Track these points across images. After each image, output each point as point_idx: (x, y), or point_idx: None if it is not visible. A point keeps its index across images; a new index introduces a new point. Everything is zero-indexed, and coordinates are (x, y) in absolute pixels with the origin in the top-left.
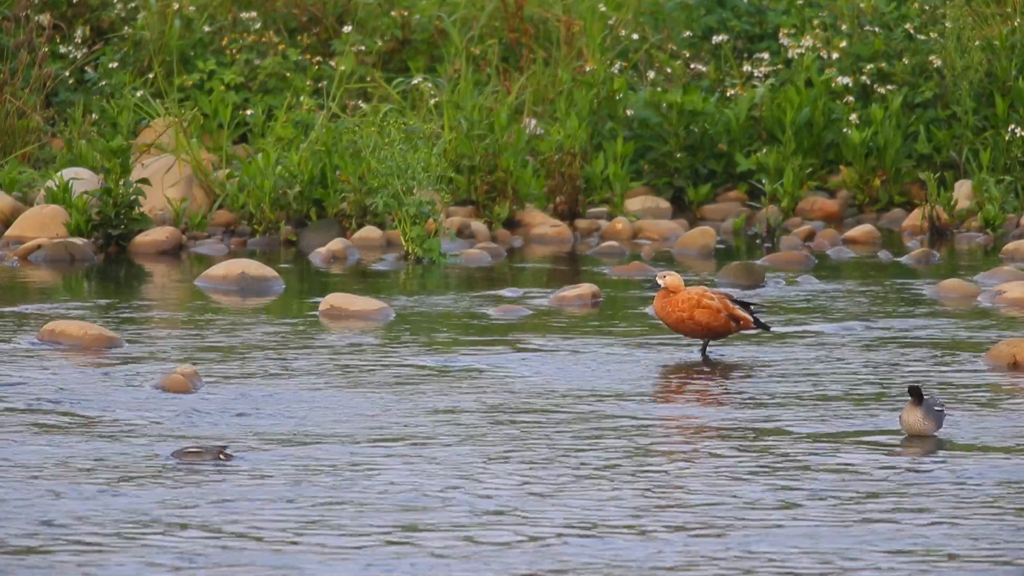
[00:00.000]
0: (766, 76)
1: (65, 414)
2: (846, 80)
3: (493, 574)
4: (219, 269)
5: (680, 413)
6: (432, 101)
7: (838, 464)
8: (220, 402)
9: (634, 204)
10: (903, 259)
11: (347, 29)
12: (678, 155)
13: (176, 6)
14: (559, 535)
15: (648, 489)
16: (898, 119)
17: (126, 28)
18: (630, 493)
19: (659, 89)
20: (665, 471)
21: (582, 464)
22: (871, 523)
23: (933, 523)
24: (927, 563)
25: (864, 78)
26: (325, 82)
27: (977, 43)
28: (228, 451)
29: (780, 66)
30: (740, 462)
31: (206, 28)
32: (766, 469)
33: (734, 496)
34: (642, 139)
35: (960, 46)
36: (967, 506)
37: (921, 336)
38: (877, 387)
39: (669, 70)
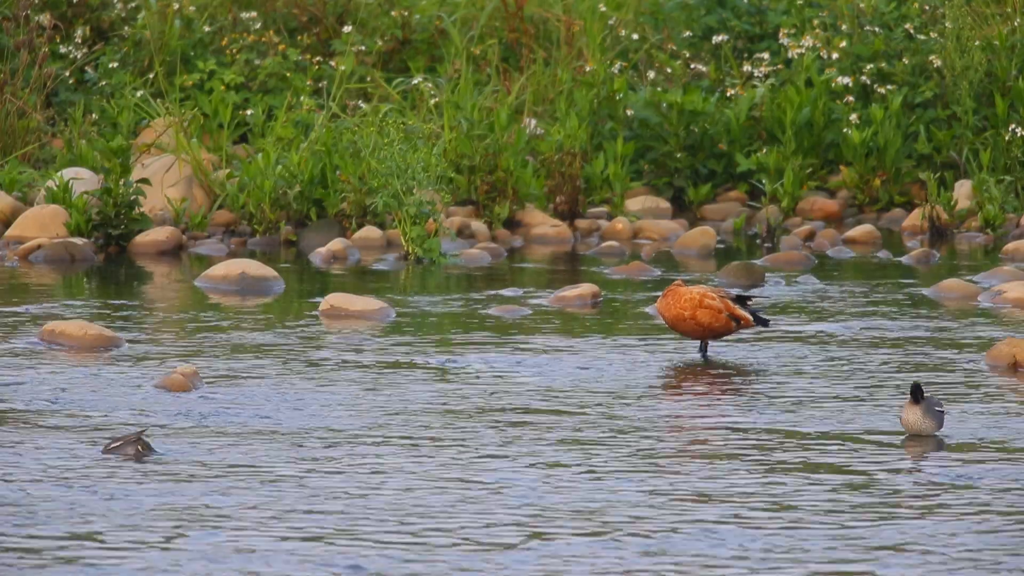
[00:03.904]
0: (766, 76)
1: (65, 414)
2: (846, 80)
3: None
4: (219, 269)
5: (680, 413)
6: (432, 101)
7: (838, 464)
8: (220, 402)
9: (634, 204)
10: (903, 259)
11: (347, 29)
12: (678, 155)
13: (176, 6)
14: (559, 535)
15: (647, 489)
16: (898, 119)
17: (126, 28)
18: (630, 493)
19: (659, 89)
20: (665, 471)
21: (582, 464)
22: (871, 523)
23: (932, 523)
24: (926, 563)
25: (864, 78)
26: (325, 82)
27: (977, 43)
28: (145, 437)
29: (780, 66)
30: (740, 461)
31: (206, 28)
32: (766, 468)
33: (734, 496)
34: (642, 139)
35: (960, 46)
36: (967, 506)
37: (921, 336)
38: (877, 387)
39: (669, 70)
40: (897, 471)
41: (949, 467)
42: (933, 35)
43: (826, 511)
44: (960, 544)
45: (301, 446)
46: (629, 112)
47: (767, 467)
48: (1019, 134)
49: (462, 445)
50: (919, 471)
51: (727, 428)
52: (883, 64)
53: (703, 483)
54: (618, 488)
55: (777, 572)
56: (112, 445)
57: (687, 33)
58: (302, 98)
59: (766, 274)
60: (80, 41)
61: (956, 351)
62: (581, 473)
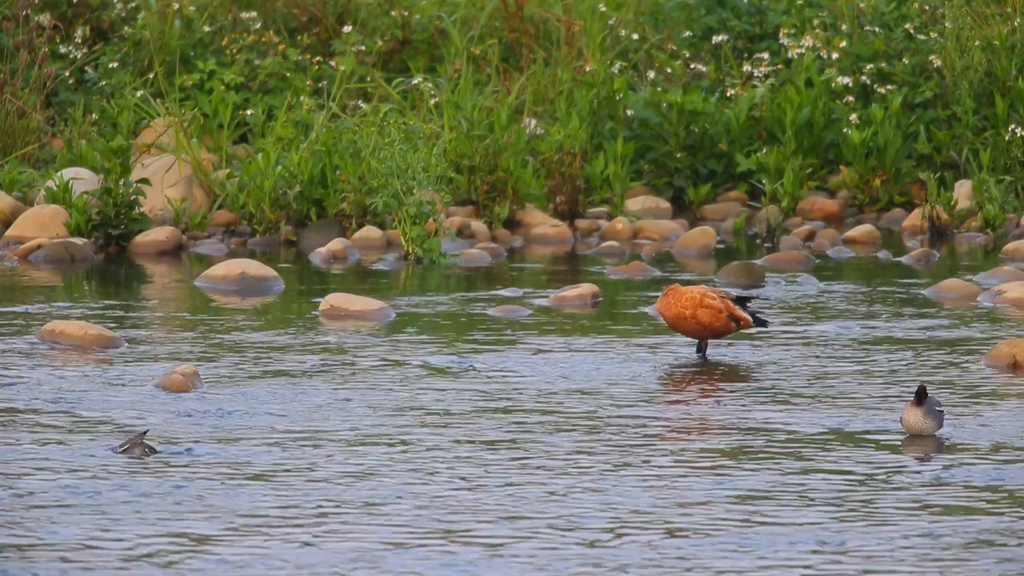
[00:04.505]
0: (766, 76)
1: (65, 414)
2: (846, 80)
3: None
4: (219, 269)
5: (680, 413)
6: (432, 101)
7: (838, 464)
8: (220, 402)
9: (634, 204)
10: (903, 259)
11: (347, 29)
12: (678, 155)
13: (176, 6)
14: (556, 535)
15: (647, 490)
16: (898, 119)
17: (126, 28)
18: (629, 493)
19: (659, 89)
20: (664, 471)
21: (581, 464)
22: (870, 523)
23: (932, 524)
24: (925, 563)
25: (864, 78)
26: (325, 82)
27: (977, 43)
28: (149, 442)
29: (780, 66)
30: (740, 462)
31: (206, 28)
32: (765, 469)
33: (733, 496)
34: (642, 139)
35: (960, 46)
36: (967, 507)
37: (921, 336)
38: (877, 387)
39: (669, 70)
40: (897, 471)
41: (949, 468)
42: (933, 35)
43: (823, 510)
44: (959, 544)
45: (312, 447)
46: (629, 112)
47: (765, 467)
48: (1019, 134)
49: (460, 445)
50: (919, 471)
51: (725, 428)
52: (883, 64)
53: (700, 483)
54: (615, 488)
55: (772, 572)
56: (124, 446)
57: (687, 33)
58: (302, 98)
59: (766, 274)
60: (80, 41)
61: (956, 351)
62: (579, 472)
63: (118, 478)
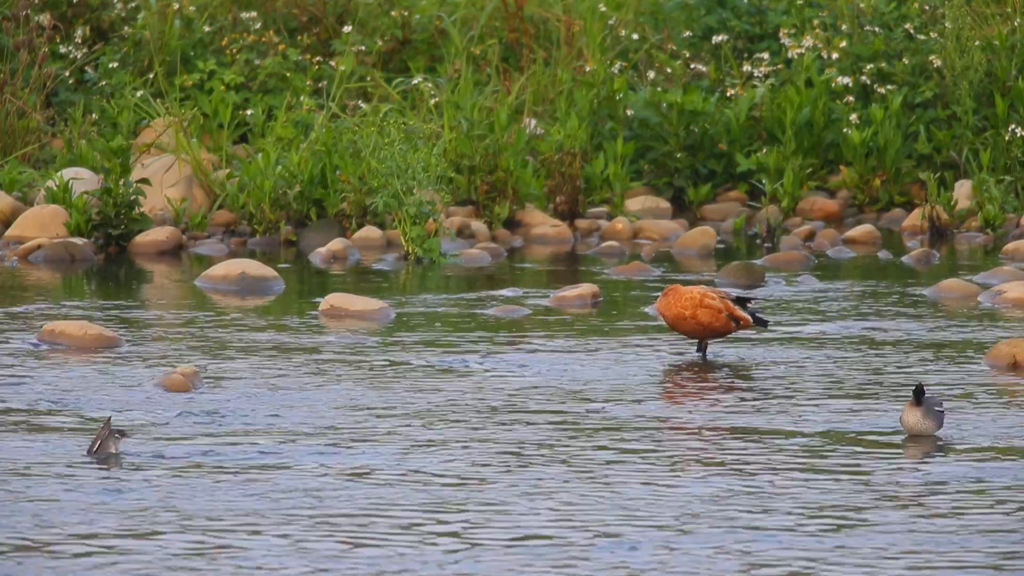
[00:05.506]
0: (766, 76)
1: (65, 414)
2: (846, 80)
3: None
4: (219, 269)
5: (680, 413)
6: (432, 101)
7: (837, 464)
8: (220, 402)
9: (634, 204)
10: (903, 259)
11: (347, 29)
12: (678, 155)
13: (176, 6)
14: (554, 536)
15: (646, 489)
16: (898, 119)
17: (126, 28)
18: (628, 493)
19: (659, 89)
20: (663, 472)
21: (581, 464)
22: (869, 523)
23: (932, 523)
24: (924, 564)
25: (864, 78)
26: (325, 82)
27: (977, 43)
28: (121, 431)
29: (780, 66)
30: (739, 462)
31: (206, 28)
32: (765, 470)
33: (732, 496)
34: (642, 139)
35: (960, 46)
36: (966, 506)
37: (921, 336)
38: (876, 387)
39: (669, 70)
40: (896, 471)
41: (948, 468)
42: (933, 35)
43: (822, 511)
44: (958, 543)
45: (311, 446)
46: (629, 112)
47: (764, 467)
48: (1019, 134)
49: (460, 445)
50: (918, 472)
51: (725, 428)
52: (883, 64)
53: (700, 483)
54: (615, 489)
55: (772, 572)
56: (94, 448)
57: (687, 33)
58: (302, 98)
59: (766, 274)
60: (80, 41)
61: (956, 351)
62: (578, 473)
63: (116, 478)
